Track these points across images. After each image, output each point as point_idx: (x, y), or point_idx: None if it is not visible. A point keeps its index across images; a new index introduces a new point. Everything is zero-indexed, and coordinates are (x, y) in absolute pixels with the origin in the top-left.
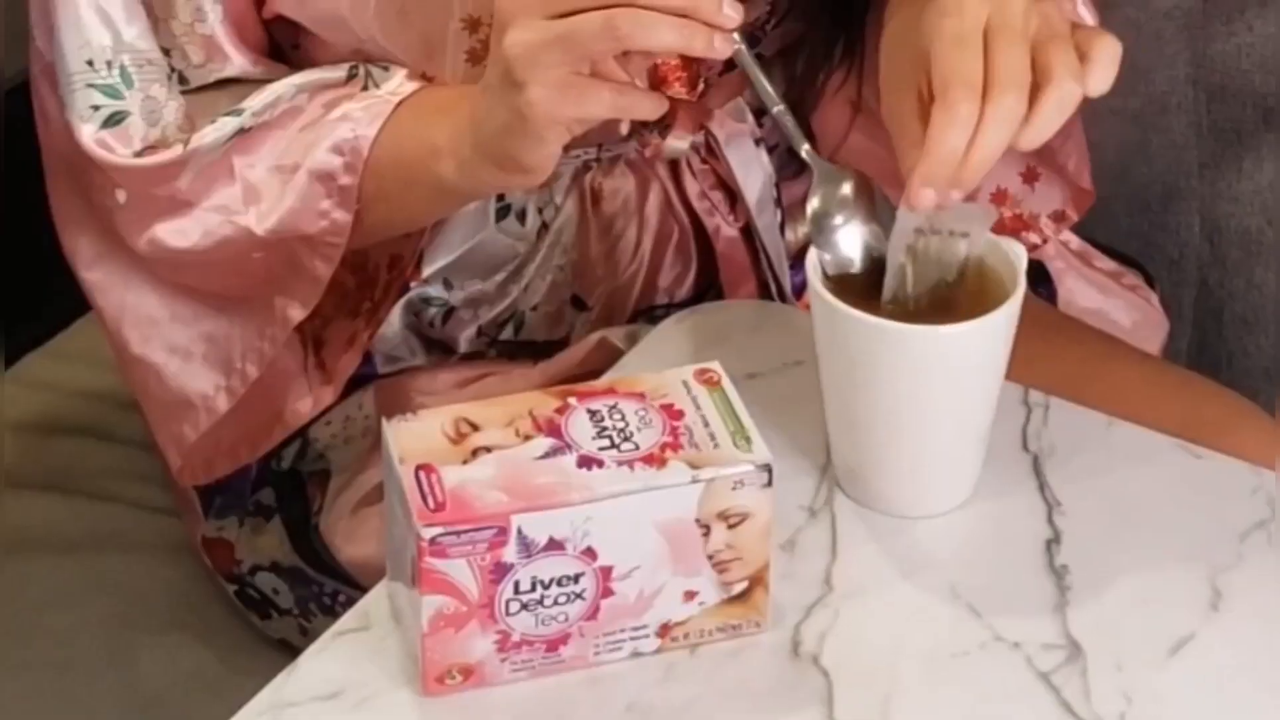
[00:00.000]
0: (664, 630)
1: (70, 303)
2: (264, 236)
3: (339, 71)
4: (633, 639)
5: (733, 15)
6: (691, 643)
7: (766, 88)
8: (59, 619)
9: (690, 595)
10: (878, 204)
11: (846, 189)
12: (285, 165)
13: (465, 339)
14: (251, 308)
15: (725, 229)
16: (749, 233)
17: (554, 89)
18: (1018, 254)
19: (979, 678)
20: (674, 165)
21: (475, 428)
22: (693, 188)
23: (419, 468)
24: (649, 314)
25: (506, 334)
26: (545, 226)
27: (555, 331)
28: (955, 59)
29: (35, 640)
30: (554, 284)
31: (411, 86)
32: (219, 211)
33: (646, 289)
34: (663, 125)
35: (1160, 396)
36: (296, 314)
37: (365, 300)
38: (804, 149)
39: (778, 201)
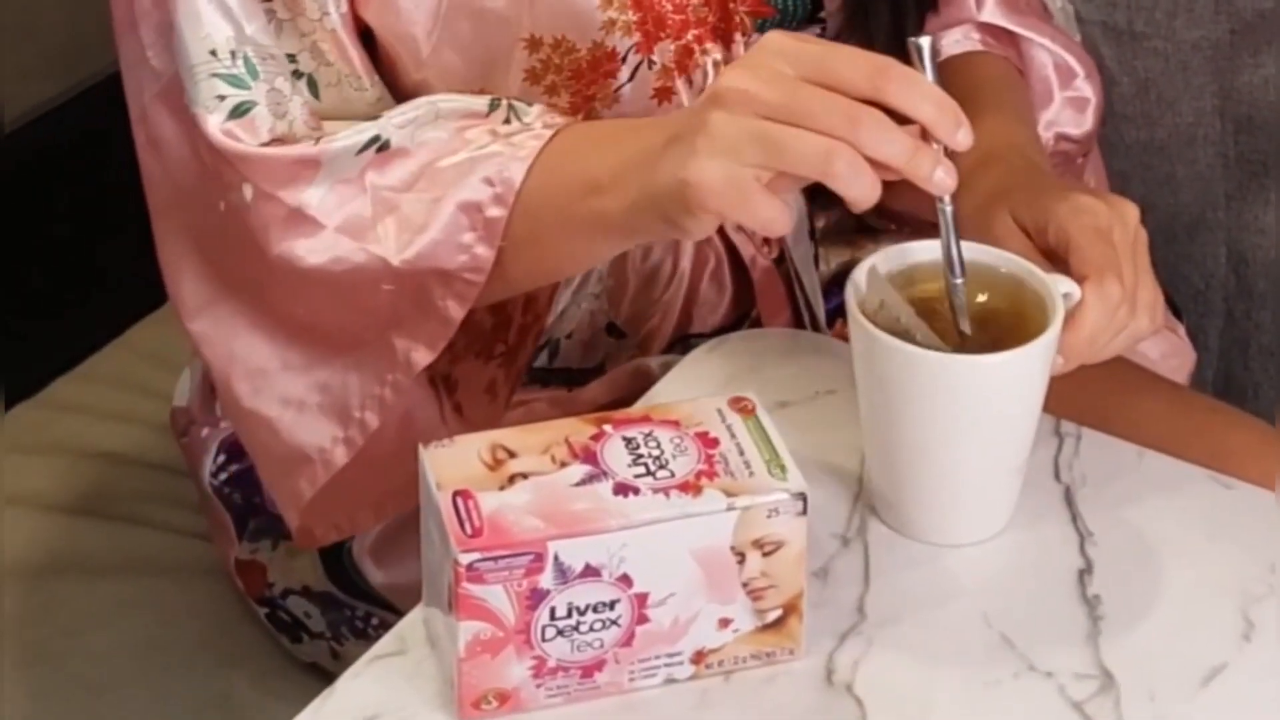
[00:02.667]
0: (698, 657)
1: (101, 325)
2: (399, 267)
3: (480, 101)
4: (667, 666)
5: (965, 140)
6: (726, 670)
7: (957, 254)
8: (92, 642)
9: (725, 622)
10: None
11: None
12: (428, 195)
13: None
14: (369, 352)
15: (760, 259)
16: (782, 262)
17: (725, 182)
18: (1058, 286)
19: (1012, 707)
20: None
21: (512, 454)
22: None
23: (456, 493)
24: (685, 343)
25: (541, 361)
26: None
27: (590, 359)
28: (1105, 251)
29: (68, 663)
30: (589, 311)
31: (557, 119)
32: (349, 234)
33: (683, 318)
34: None
35: (1188, 425)
36: (422, 358)
37: (498, 343)
38: (964, 324)
39: (811, 233)
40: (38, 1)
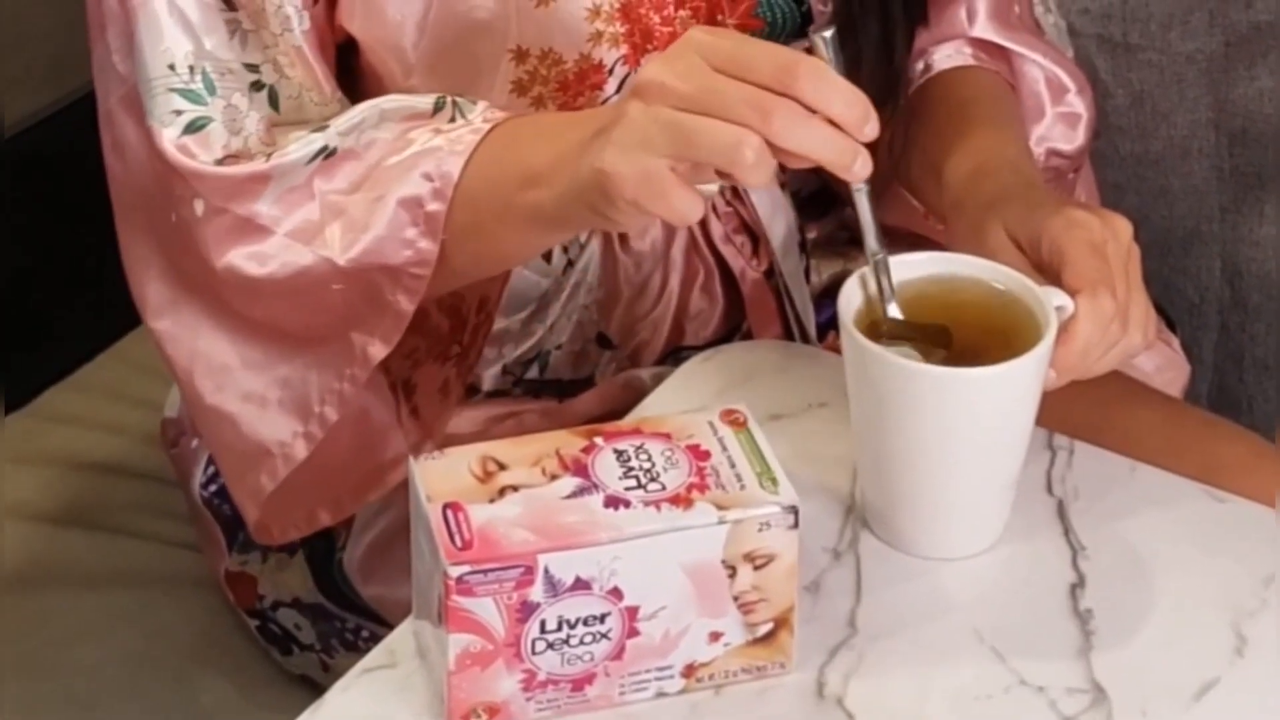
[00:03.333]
0: (689, 671)
1: (93, 336)
2: (345, 267)
3: (425, 101)
4: (658, 679)
5: (872, 131)
6: (716, 683)
7: (874, 232)
8: (81, 654)
9: (716, 636)
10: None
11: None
12: (371, 194)
13: (490, 377)
14: (328, 348)
15: (750, 272)
16: (772, 275)
17: (638, 172)
18: (1051, 299)
19: None
20: None
21: (502, 466)
22: (717, 230)
23: (446, 506)
24: (677, 356)
25: (532, 373)
26: (570, 264)
27: (580, 370)
28: (1098, 266)
29: (57, 675)
30: (579, 323)
31: (498, 114)
32: (298, 238)
33: (674, 330)
34: None
35: (1181, 439)
36: (378, 351)
37: (454, 344)
38: (892, 306)
39: (802, 245)
40: (28, 12)
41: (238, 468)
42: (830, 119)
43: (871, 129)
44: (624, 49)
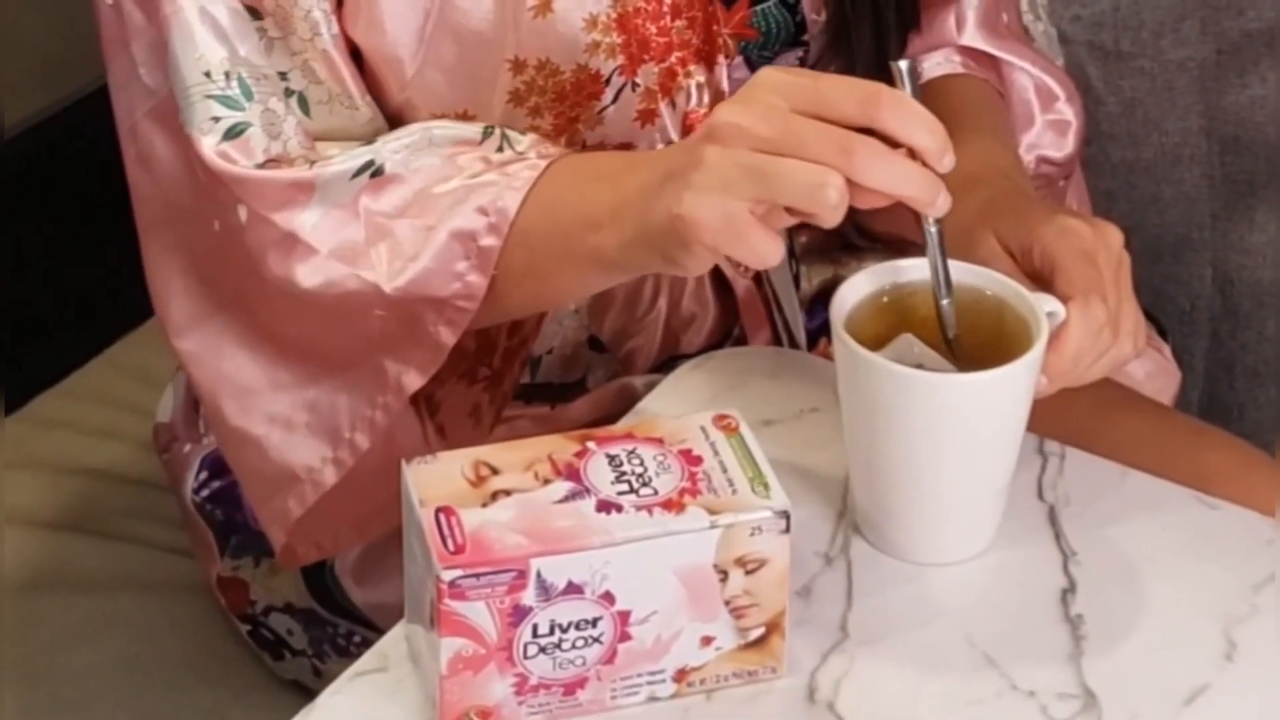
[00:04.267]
0: (681, 675)
1: (85, 342)
2: (391, 295)
3: (474, 129)
4: (649, 684)
5: (950, 163)
6: (708, 688)
7: (944, 275)
8: (73, 658)
9: (707, 640)
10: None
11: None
12: (421, 222)
13: None
14: (360, 374)
15: (740, 278)
16: (762, 282)
17: (719, 217)
18: (1042, 305)
19: None
20: None
21: (495, 471)
22: None
23: (439, 510)
24: (670, 364)
25: (523, 377)
26: None
27: (571, 374)
28: (1089, 273)
29: (49, 680)
30: (571, 328)
31: (551, 149)
32: (341, 259)
33: (667, 337)
34: None
35: (1172, 445)
36: (413, 382)
37: (483, 366)
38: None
39: (792, 251)
40: (24, 17)
41: (264, 492)
42: (911, 151)
43: (950, 160)
44: (621, 59)
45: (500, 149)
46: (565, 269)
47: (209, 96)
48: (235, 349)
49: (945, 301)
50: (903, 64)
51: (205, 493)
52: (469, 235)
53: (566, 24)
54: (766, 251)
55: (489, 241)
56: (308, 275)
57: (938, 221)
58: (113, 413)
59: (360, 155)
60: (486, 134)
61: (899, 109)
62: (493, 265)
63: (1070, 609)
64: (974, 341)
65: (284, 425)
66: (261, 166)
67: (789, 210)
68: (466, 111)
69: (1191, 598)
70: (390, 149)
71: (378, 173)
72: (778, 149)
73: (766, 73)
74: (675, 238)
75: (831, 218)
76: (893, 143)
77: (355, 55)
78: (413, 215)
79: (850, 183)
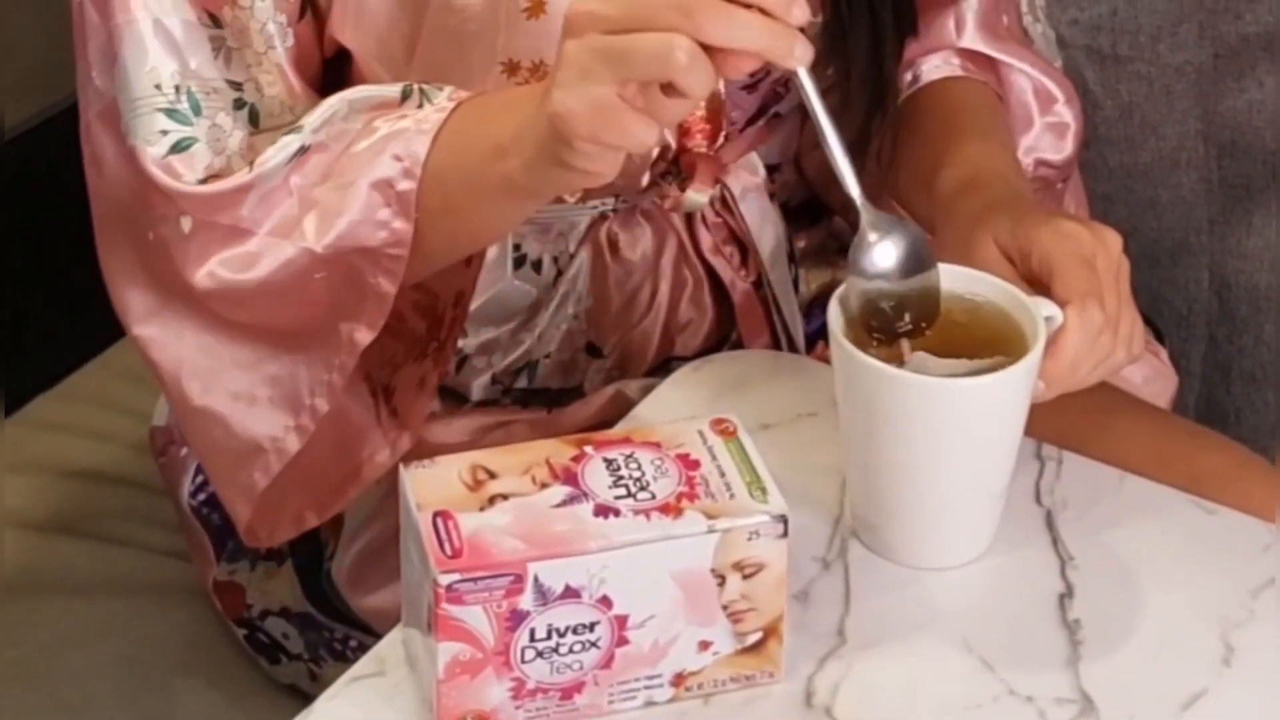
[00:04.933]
0: (678, 680)
1: (81, 345)
2: (323, 254)
3: (393, 90)
4: (647, 688)
5: (800, 15)
6: (705, 692)
7: (827, 124)
8: (68, 662)
9: (705, 645)
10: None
11: (897, 236)
12: (343, 181)
13: (479, 386)
14: (315, 339)
15: (740, 282)
16: (761, 285)
17: (586, 104)
18: (1040, 309)
19: None
20: (689, 218)
21: (492, 475)
22: (706, 240)
23: (436, 514)
24: (666, 368)
25: (521, 382)
26: (560, 274)
27: (569, 379)
28: (1087, 277)
29: (44, 683)
30: (568, 332)
31: (464, 94)
32: (278, 234)
33: (664, 341)
34: (681, 178)
35: (1168, 449)
36: (364, 336)
37: (432, 341)
38: (857, 194)
39: (790, 255)
40: (19, 20)
41: (228, 467)
42: (759, 8)
43: (800, 11)
44: None
45: (420, 105)
46: (480, 202)
47: (158, 109)
48: (194, 332)
49: (833, 146)
50: None
51: (201, 496)
52: (387, 183)
53: (559, 25)
54: (640, 133)
55: (405, 186)
56: (247, 260)
57: (810, 76)
58: (109, 416)
59: (290, 144)
60: (406, 94)
61: None
62: (414, 208)
63: (1068, 613)
64: (972, 346)
65: (247, 400)
66: (203, 182)
67: (665, 91)
68: None
69: (1189, 602)
70: (313, 126)
71: (304, 150)
72: (627, 27)
73: None
74: (557, 138)
75: (691, 81)
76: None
77: (341, 59)
78: (334, 177)
79: (712, 52)
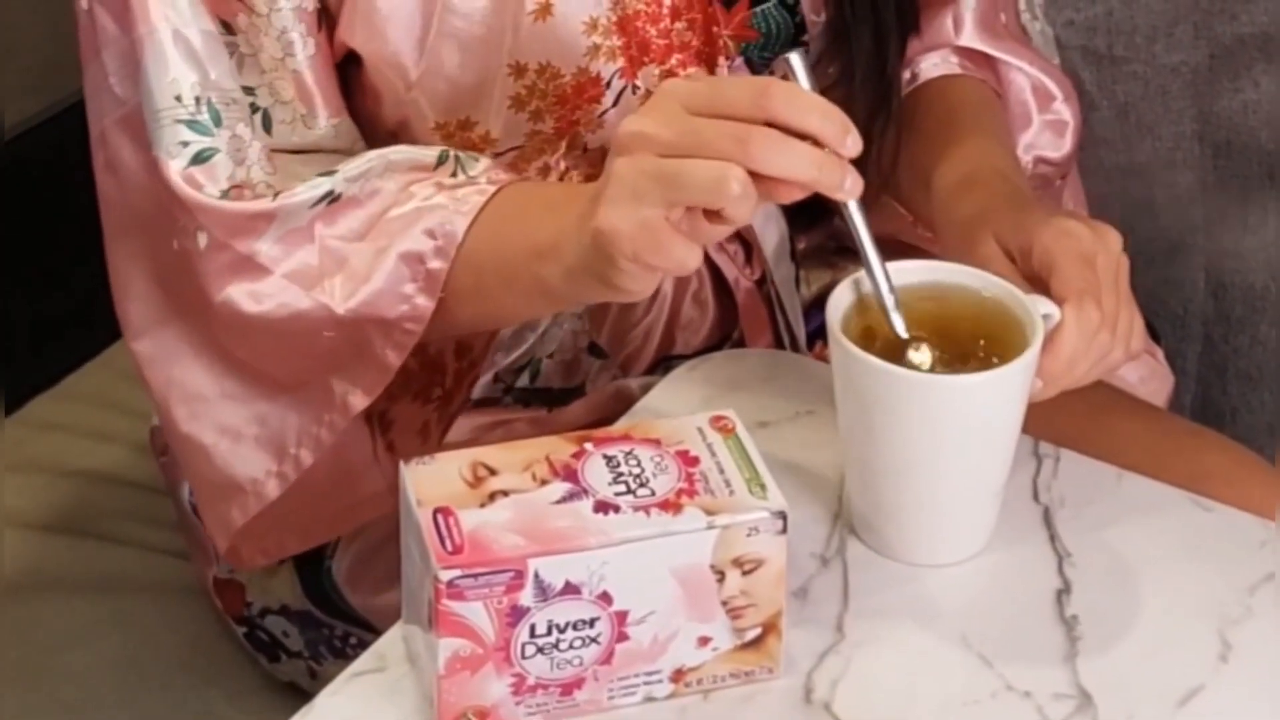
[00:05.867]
0: (677, 675)
1: (81, 345)
2: (342, 316)
3: (429, 154)
4: (646, 684)
5: (854, 147)
6: (705, 688)
7: (876, 258)
8: (69, 660)
9: (704, 641)
10: None
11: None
12: (374, 245)
13: (480, 385)
14: (308, 392)
15: (743, 281)
16: (764, 284)
17: (633, 224)
18: (1038, 307)
19: None
20: None
21: (493, 472)
22: None
23: (437, 511)
24: (667, 365)
25: (522, 381)
26: None
27: (571, 379)
28: (1086, 276)
29: (45, 681)
30: (571, 332)
31: (502, 175)
32: (296, 281)
33: (665, 339)
34: None
35: (1164, 447)
36: (359, 402)
37: (435, 386)
38: (896, 319)
39: (793, 254)
40: (21, 19)
41: (209, 497)
42: (813, 139)
43: (854, 142)
44: (621, 62)
45: (454, 174)
46: (512, 294)
47: (179, 121)
48: (189, 357)
49: (879, 278)
50: (792, 55)
51: None
52: (417, 258)
53: (566, 27)
54: (684, 257)
55: (436, 265)
56: (259, 298)
57: (860, 208)
58: (110, 416)
59: (320, 186)
60: (441, 159)
61: (790, 100)
62: (439, 288)
63: (1065, 610)
64: (970, 343)
65: (232, 436)
66: (225, 194)
67: (708, 215)
68: (469, 117)
69: (1186, 599)
70: (348, 176)
71: (335, 199)
72: (680, 151)
73: (669, 82)
74: (600, 255)
75: (738, 210)
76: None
77: (349, 62)
78: (369, 240)
79: (761, 178)
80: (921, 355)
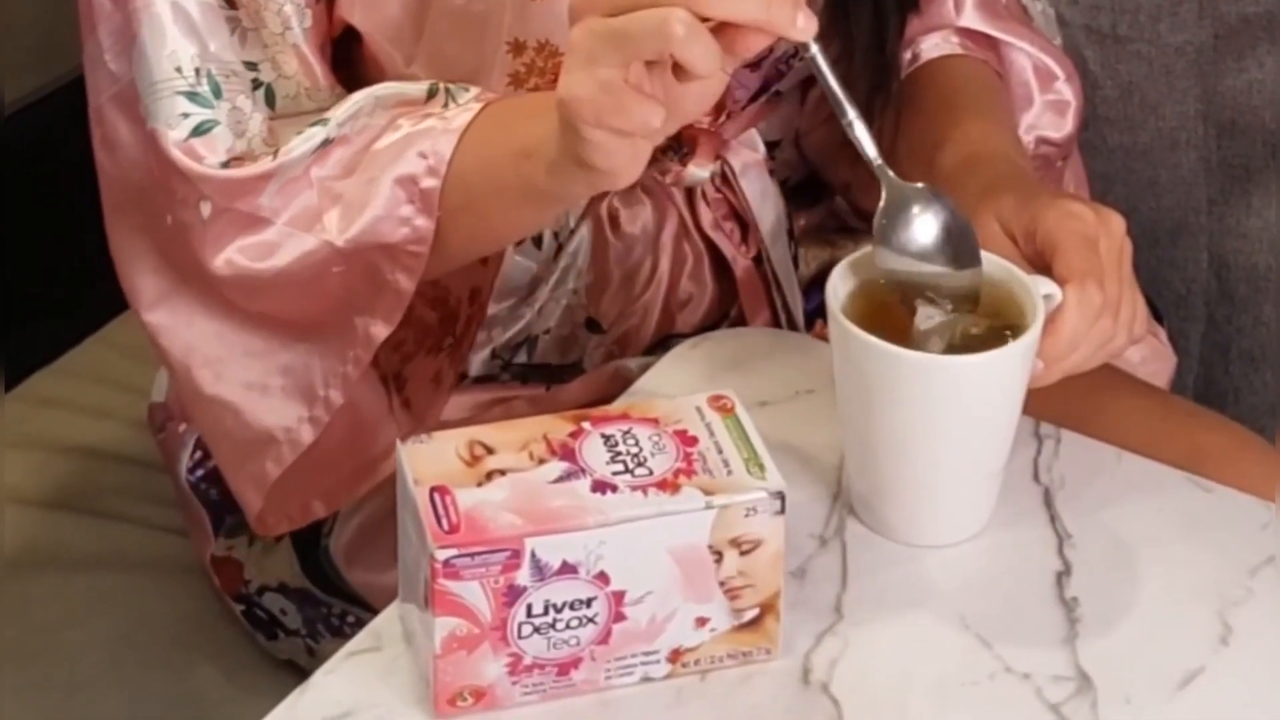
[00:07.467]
0: (675, 656)
1: (80, 321)
2: (344, 248)
3: (419, 88)
4: (644, 664)
5: (806, 27)
6: (702, 669)
7: (839, 93)
8: (66, 638)
9: (702, 621)
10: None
11: (916, 207)
12: (367, 176)
13: (478, 361)
14: (330, 332)
15: (740, 259)
16: (762, 262)
17: (593, 88)
18: (1039, 287)
19: (988, 708)
20: (689, 193)
21: (490, 450)
22: (707, 216)
23: (434, 489)
24: (666, 344)
25: (520, 357)
26: (560, 249)
27: (568, 355)
28: (1088, 258)
29: (42, 659)
30: (568, 307)
31: (493, 95)
32: (297, 225)
33: (664, 317)
34: (683, 153)
35: (1166, 428)
36: (380, 331)
37: (447, 336)
38: (876, 162)
39: (790, 232)
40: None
41: (239, 456)
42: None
43: (805, 22)
44: None
45: (446, 105)
46: (502, 204)
47: (179, 92)
48: (205, 320)
49: (846, 121)
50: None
51: (200, 472)
52: (410, 179)
53: (564, 5)
54: (645, 114)
55: (429, 183)
56: (265, 249)
57: (817, 43)
58: (108, 392)
59: (314, 136)
60: (432, 92)
61: None
62: (436, 207)
63: (1065, 591)
64: (970, 323)
65: (260, 390)
66: (225, 165)
67: (677, 74)
68: None
69: (1186, 581)
70: (339, 120)
71: (328, 142)
72: (625, 7)
73: None
74: (568, 130)
75: (691, 54)
76: None
77: (349, 37)
78: (359, 172)
79: (721, 32)
80: (928, 312)
